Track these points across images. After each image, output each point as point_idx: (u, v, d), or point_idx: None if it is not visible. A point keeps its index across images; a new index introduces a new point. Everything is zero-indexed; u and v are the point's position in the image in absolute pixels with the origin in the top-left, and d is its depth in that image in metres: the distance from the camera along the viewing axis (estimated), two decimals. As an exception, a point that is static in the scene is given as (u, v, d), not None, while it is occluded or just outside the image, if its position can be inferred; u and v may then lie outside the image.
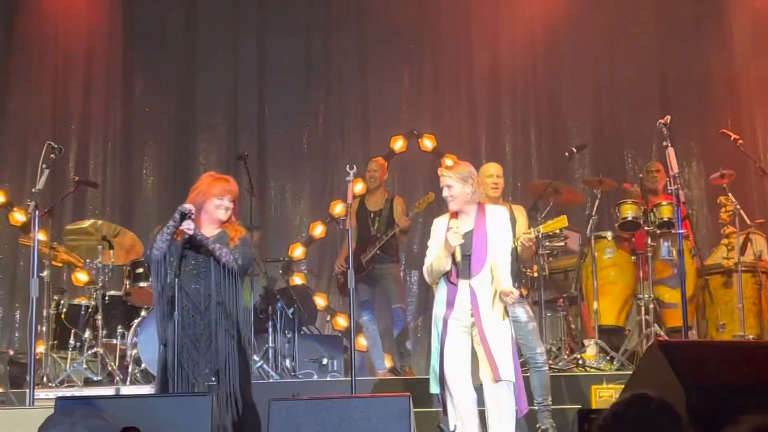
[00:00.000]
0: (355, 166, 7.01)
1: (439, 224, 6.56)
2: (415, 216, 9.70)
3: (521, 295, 7.08)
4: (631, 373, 6.35)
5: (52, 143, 7.27)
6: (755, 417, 2.12)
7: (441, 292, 6.43)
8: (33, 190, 7.11)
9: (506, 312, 6.36)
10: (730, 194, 8.83)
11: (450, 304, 6.35)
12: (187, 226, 6.19)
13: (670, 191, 6.90)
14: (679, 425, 2.72)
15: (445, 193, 6.44)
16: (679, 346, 5.05)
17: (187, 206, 6.24)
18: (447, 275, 6.38)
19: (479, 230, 6.39)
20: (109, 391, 8.14)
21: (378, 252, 9.36)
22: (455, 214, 6.46)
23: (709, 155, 10.67)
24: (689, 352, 4.61)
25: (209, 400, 5.55)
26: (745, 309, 8.53)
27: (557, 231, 7.24)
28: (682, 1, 11.31)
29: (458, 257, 6.31)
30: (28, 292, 7.03)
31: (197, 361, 6.14)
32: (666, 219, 8.50)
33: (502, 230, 6.46)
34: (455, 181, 6.39)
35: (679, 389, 4.18)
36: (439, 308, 6.42)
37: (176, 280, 6.14)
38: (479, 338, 6.26)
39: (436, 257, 6.41)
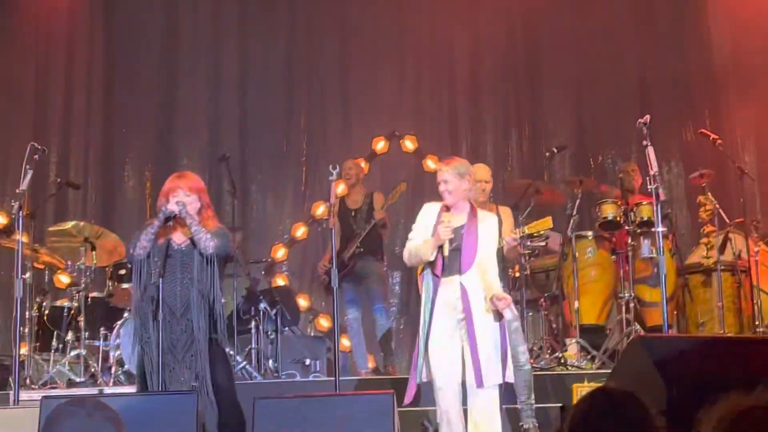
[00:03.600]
0: (338, 167, 7.04)
1: (430, 210, 6.56)
2: (395, 212, 9.63)
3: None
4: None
5: (36, 144, 7.27)
6: (727, 401, 2.09)
7: (427, 284, 6.43)
8: (17, 190, 7.09)
9: (499, 314, 6.36)
10: (709, 194, 8.90)
11: (434, 294, 6.35)
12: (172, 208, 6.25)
13: (649, 190, 6.94)
14: (646, 415, 2.70)
15: (442, 187, 6.43)
16: (659, 340, 5.10)
17: (173, 208, 6.27)
18: (432, 266, 6.39)
19: (470, 229, 6.40)
20: (92, 392, 8.12)
21: (359, 248, 9.37)
22: (447, 208, 6.49)
23: (689, 155, 10.76)
24: (670, 346, 4.64)
25: (194, 398, 5.57)
26: (725, 307, 8.60)
27: (542, 232, 7.27)
28: (661, 4, 11.40)
29: (446, 251, 6.31)
30: (9, 295, 7.00)
31: (173, 366, 6.15)
32: (646, 218, 8.54)
33: (491, 237, 6.49)
34: (452, 176, 6.41)
35: (659, 384, 4.21)
36: (426, 297, 6.40)
37: (160, 280, 6.15)
38: (467, 337, 6.25)
39: (422, 242, 6.41)
